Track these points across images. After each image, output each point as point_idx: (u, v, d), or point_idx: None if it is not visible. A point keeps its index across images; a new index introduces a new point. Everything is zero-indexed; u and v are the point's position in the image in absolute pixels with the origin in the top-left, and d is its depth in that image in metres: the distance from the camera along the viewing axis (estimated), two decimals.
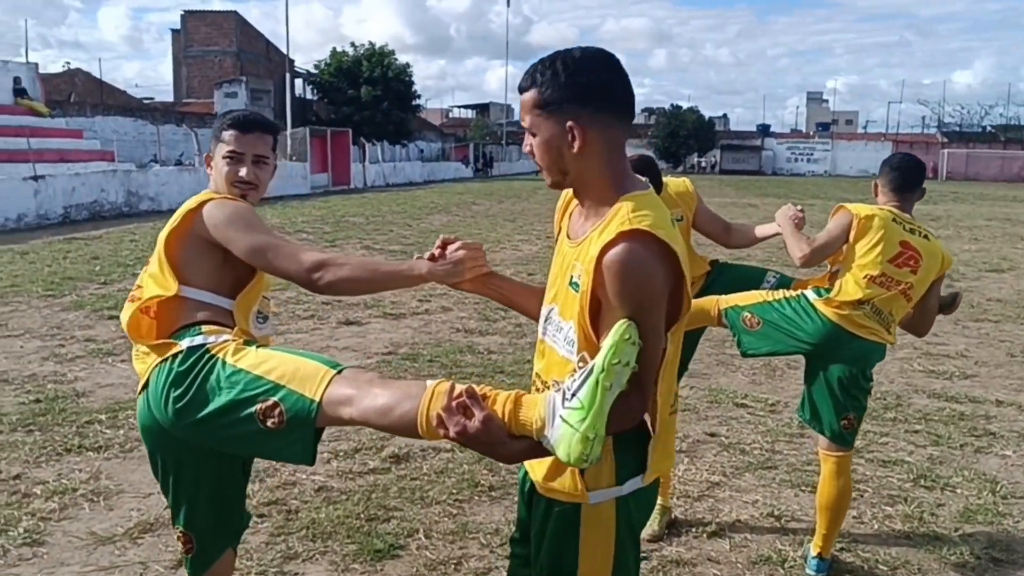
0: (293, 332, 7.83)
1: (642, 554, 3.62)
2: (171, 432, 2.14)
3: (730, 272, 3.87)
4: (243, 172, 2.43)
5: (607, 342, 1.67)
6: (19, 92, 25.06)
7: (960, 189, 44.12)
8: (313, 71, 46.92)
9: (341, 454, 4.74)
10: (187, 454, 2.21)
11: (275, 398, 1.97)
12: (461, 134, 68.99)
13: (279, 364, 2.03)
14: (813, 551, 3.55)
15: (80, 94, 35.25)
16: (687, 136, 66.76)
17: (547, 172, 1.89)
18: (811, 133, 79.46)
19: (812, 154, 70.56)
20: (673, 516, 4.02)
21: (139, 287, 2.35)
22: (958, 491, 4.41)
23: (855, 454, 4.87)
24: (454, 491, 4.28)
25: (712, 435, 5.24)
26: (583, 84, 1.77)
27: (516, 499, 2.47)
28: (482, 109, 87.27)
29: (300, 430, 1.97)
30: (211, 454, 2.20)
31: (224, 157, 2.44)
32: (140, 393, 2.23)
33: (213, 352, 2.11)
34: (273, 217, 18.83)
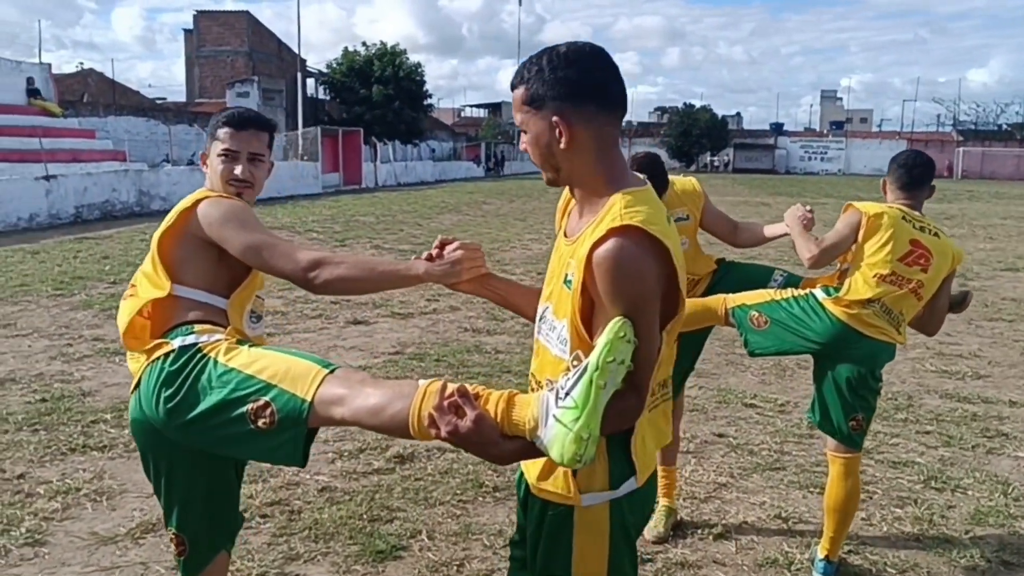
0: (301, 332, 7.82)
1: (646, 555, 3.64)
2: (163, 432, 2.12)
3: (737, 271, 3.83)
4: (238, 170, 2.40)
5: (601, 340, 1.64)
6: (32, 92, 25.19)
7: (975, 188, 43.77)
8: (325, 71, 47.01)
9: (345, 454, 4.71)
10: (179, 455, 2.18)
11: (266, 398, 1.95)
12: (473, 133, 69.02)
13: (271, 363, 2.00)
14: (820, 553, 3.50)
15: (93, 94, 35.43)
16: (700, 135, 66.54)
17: (541, 169, 1.87)
18: (825, 132, 79.09)
19: (826, 153, 70.20)
20: (679, 518, 3.98)
21: (133, 286, 2.33)
22: (969, 493, 4.35)
23: (864, 455, 4.80)
24: (458, 492, 4.25)
25: (720, 436, 5.19)
26: (569, 79, 1.74)
27: None
28: (494, 108, 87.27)
29: (292, 430, 1.94)
30: (204, 455, 2.18)
31: (219, 155, 2.41)
32: (132, 392, 2.20)
33: (205, 351, 2.08)
34: (284, 216, 18.88)
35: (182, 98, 47.48)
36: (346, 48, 46.52)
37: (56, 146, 21.09)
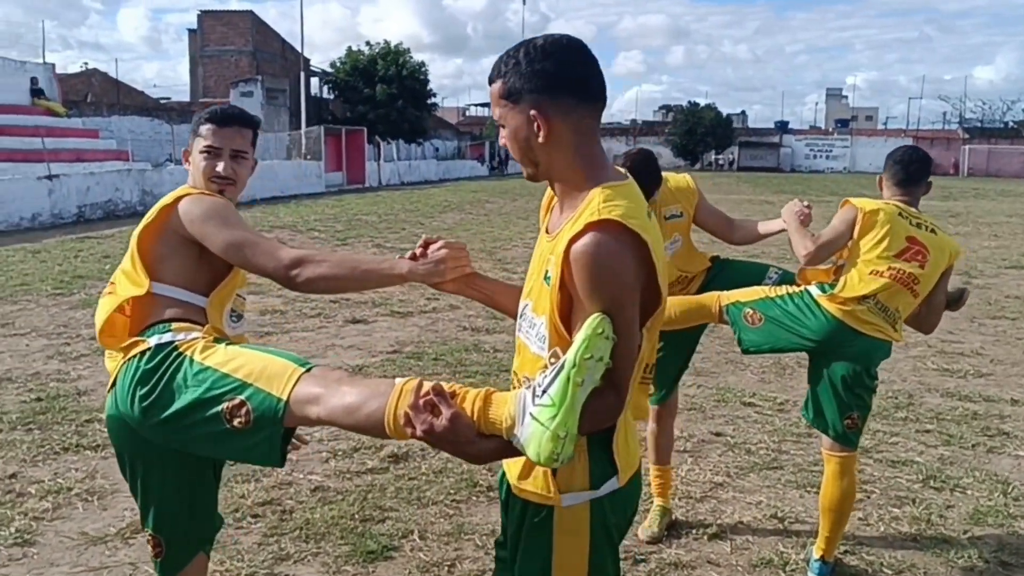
0: (299, 331, 7.79)
1: (640, 556, 3.61)
2: (139, 431, 2.09)
3: (731, 268, 3.78)
4: (220, 167, 2.37)
5: (579, 336, 1.61)
6: (36, 92, 25.26)
7: (981, 185, 43.60)
8: (329, 70, 47.02)
9: (340, 453, 4.68)
10: (155, 454, 2.15)
11: (242, 396, 1.91)
12: (477, 132, 68.99)
13: (247, 362, 1.97)
14: (816, 554, 3.46)
15: (97, 94, 35.48)
16: (705, 133, 66.33)
17: (521, 164, 1.84)
18: (830, 130, 78.81)
19: (831, 151, 69.97)
20: (674, 517, 3.94)
21: (112, 284, 2.30)
22: (968, 492, 4.30)
23: (863, 454, 4.78)
24: (452, 491, 4.22)
25: (718, 435, 5.15)
26: (546, 72, 1.71)
27: None
28: None
29: (267, 429, 1.90)
30: (180, 455, 2.14)
31: (201, 152, 2.38)
32: (109, 391, 2.17)
33: (181, 349, 2.05)
34: (286, 216, 18.87)
35: (187, 98, 47.53)
36: (350, 47, 46.56)
37: (59, 146, 21.13)
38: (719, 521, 3.96)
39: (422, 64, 46.57)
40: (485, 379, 6.15)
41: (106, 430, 2.31)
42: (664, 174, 3.66)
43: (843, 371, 3.25)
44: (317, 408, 1.84)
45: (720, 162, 69.51)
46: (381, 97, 43.65)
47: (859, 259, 3.25)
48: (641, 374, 1.91)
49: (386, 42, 46.12)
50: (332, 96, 47.32)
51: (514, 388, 1.89)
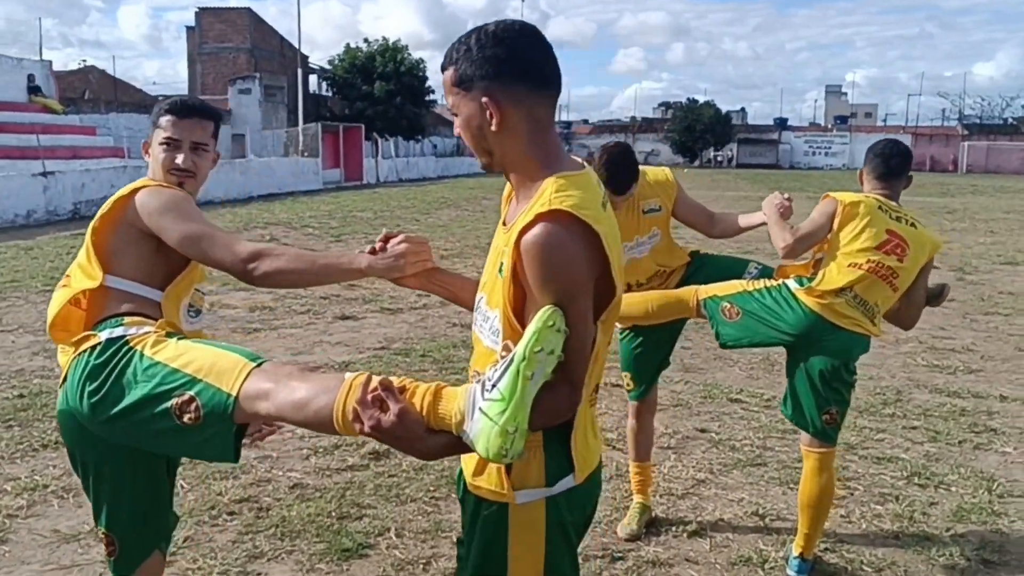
0: (288, 327, 7.76)
1: (617, 553, 3.57)
2: (89, 428, 2.05)
3: (711, 263, 3.74)
4: (180, 159, 2.33)
5: (529, 329, 1.57)
6: (33, 90, 25.19)
7: (980, 182, 43.53)
8: (327, 67, 46.93)
9: (320, 450, 4.64)
10: (107, 451, 2.11)
11: (191, 392, 1.87)
12: None
13: (197, 357, 1.93)
14: (795, 551, 3.42)
15: (94, 91, 35.35)
16: (703, 130, 66.26)
17: (475, 153, 1.81)
18: (829, 127, 78.75)
19: (830, 147, 69.91)
20: (653, 515, 3.90)
21: (68, 276, 2.26)
22: (953, 489, 4.26)
23: (848, 451, 4.75)
24: (431, 488, 4.18)
25: (703, 431, 5.11)
26: (497, 58, 1.67)
27: None
28: None
29: (218, 426, 1.86)
30: (132, 452, 2.11)
31: (160, 144, 2.34)
32: (61, 387, 2.14)
33: (132, 344, 2.01)
34: (281, 212, 18.82)
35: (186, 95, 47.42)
36: (348, 44, 46.43)
37: (56, 143, 21.09)
38: (700, 518, 3.93)
39: (420, 61, 46.45)
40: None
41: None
42: (642, 167, 3.62)
43: (821, 365, 3.21)
44: (266, 404, 1.80)
45: (719, 159, 69.41)
46: (379, 94, 43.55)
47: (838, 252, 3.21)
48: (591, 392, 1.87)
49: (384, 39, 46.02)
50: (331, 93, 47.24)
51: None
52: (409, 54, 46.00)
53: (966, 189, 35.43)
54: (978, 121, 73.73)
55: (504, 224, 1.85)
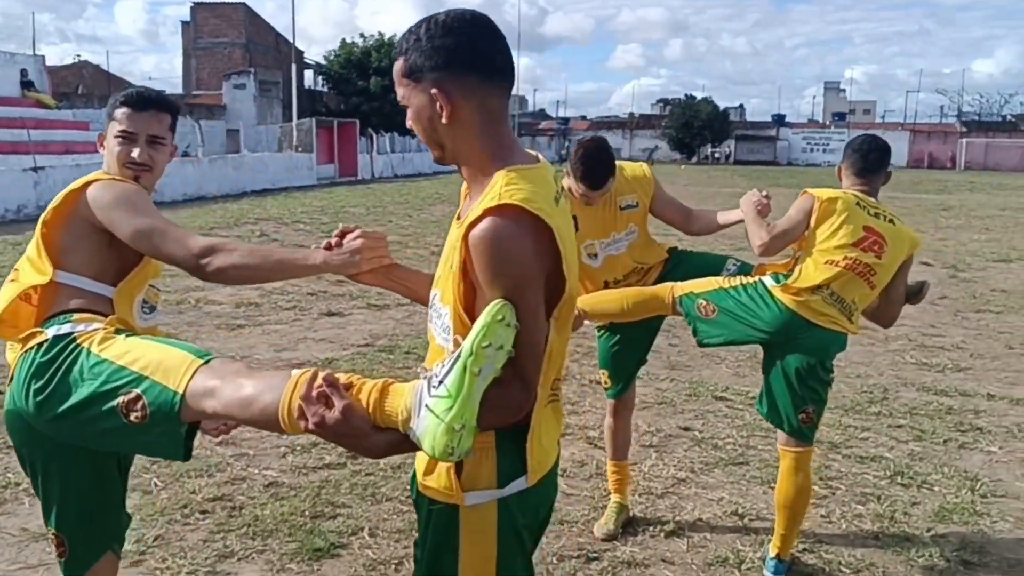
0: (272, 323, 7.70)
1: (592, 554, 3.53)
2: (36, 427, 2.00)
3: (689, 260, 3.69)
4: (135, 153, 2.27)
5: (477, 323, 1.52)
6: (26, 84, 25.11)
7: (977, 179, 43.50)
8: (323, 62, 46.84)
9: (298, 448, 4.59)
10: (55, 450, 2.06)
11: (138, 390, 1.82)
12: None
13: (144, 354, 1.87)
14: (771, 552, 3.38)
15: (88, 86, 35.25)
16: (701, 127, 66.14)
17: (427, 146, 1.75)
18: (827, 123, 78.69)
19: (828, 144, 69.75)
20: (631, 514, 3.85)
21: (16, 271, 2.20)
22: (936, 489, 4.22)
23: (832, 449, 4.71)
24: (407, 488, 4.12)
25: (686, 429, 5.06)
26: (447, 48, 1.62)
27: None
28: None
29: (165, 424, 1.81)
30: (80, 451, 2.05)
31: (116, 136, 2.29)
32: (8, 385, 2.08)
33: (79, 341, 1.95)
34: (272, 208, 18.75)
35: (180, 90, 47.30)
36: (344, 40, 46.38)
37: (49, 138, 20.98)
38: (678, 518, 3.88)
39: None
40: None
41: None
42: (619, 163, 3.56)
43: (797, 363, 3.16)
44: (213, 401, 1.75)
45: (716, 156, 69.36)
46: (375, 89, 43.46)
47: (815, 248, 3.17)
48: (549, 391, 1.82)
49: (380, 34, 46.00)
50: (326, 89, 47.15)
51: None
52: None
53: (963, 186, 35.39)
54: (976, 118, 73.72)
55: (458, 219, 1.80)
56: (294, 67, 36.33)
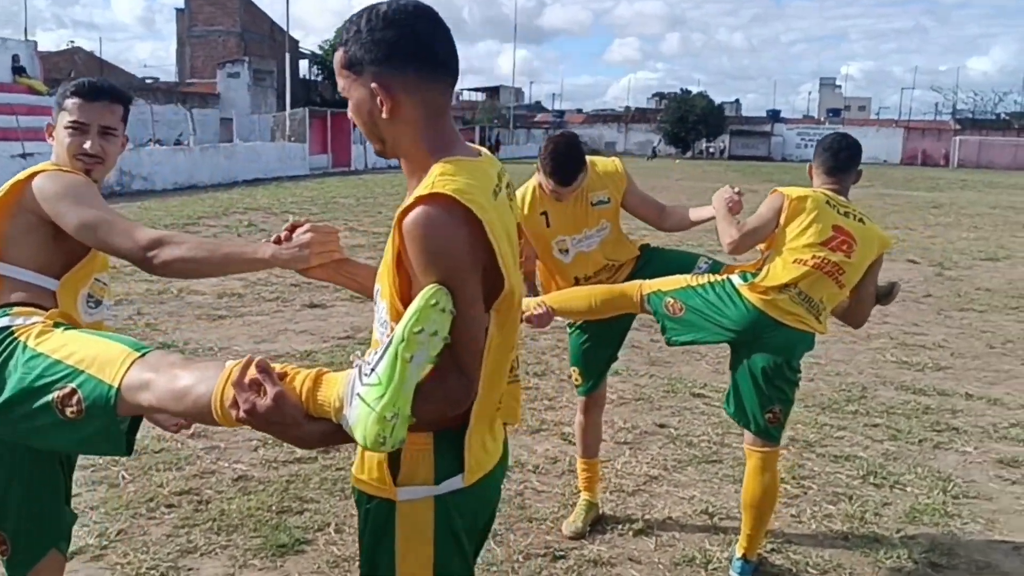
0: (254, 315, 7.66)
1: (559, 552, 3.50)
2: None
3: (661, 258, 3.66)
4: (87, 145, 2.23)
5: (410, 308, 1.48)
6: (17, 70, 24.96)
7: (970, 176, 43.56)
8: (318, 52, 46.67)
9: (269, 442, 4.55)
10: None
11: (73, 384, 1.78)
12: (468, 117, 68.66)
13: (81, 347, 1.83)
14: (738, 552, 3.36)
15: (80, 72, 35.02)
16: (696, 121, 66.17)
17: (368, 139, 1.72)
18: (822, 119, 78.73)
19: None
20: (601, 512, 3.83)
21: None
22: (908, 489, 4.20)
23: (806, 448, 4.70)
24: None
25: (661, 426, 5.04)
26: (387, 41, 1.58)
27: None
28: (492, 92, 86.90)
29: (101, 419, 1.77)
30: (19, 448, 2.02)
31: (66, 127, 2.24)
32: None
33: (16, 335, 1.91)
34: (262, 198, 18.69)
35: (174, 78, 47.10)
36: (339, 29, 46.22)
37: (40, 124, 20.57)
38: (648, 516, 3.86)
39: None
40: None
41: None
42: (591, 158, 3.53)
43: (763, 363, 3.14)
44: (148, 394, 1.71)
45: (711, 150, 69.36)
46: None
47: (783, 247, 3.14)
48: (507, 373, 1.79)
49: None
50: (320, 78, 47.00)
51: None
52: None
53: (955, 184, 35.45)
54: (971, 116, 73.84)
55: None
56: (288, 56, 36.19)
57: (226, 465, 4.28)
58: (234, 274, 2.50)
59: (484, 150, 1.79)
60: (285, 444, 4.45)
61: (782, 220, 3.19)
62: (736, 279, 3.20)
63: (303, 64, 47.71)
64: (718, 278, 3.26)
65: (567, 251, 3.54)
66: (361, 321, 7.48)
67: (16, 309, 2.01)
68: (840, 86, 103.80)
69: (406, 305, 1.60)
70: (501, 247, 1.58)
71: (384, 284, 1.66)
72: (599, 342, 3.68)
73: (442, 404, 1.58)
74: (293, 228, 2.01)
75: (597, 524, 3.75)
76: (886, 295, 3.38)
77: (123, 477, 4.07)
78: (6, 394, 1.84)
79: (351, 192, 21.57)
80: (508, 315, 1.68)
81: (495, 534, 3.62)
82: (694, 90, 71.78)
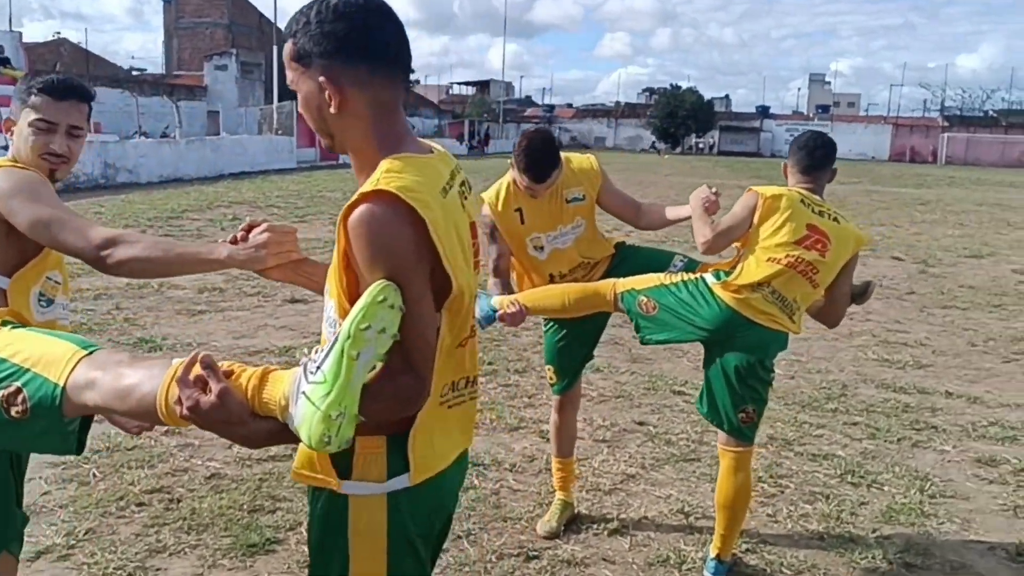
0: (235, 309, 7.60)
1: (532, 552, 3.47)
2: None
3: (636, 256, 3.62)
4: (56, 145, 2.20)
5: (357, 304, 1.44)
6: (1, 61, 24.74)
7: (957, 173, 43.75)
8: None
9: None
10: None
11: (18, 383, 1.73)
12: (459, 111, 68.54)
13: (27, 346, 1.78)
14: (712, 552, 3.34)
15: (66, 64, 34.81)
16: (686, 117, 66.22)
17: (317, 134, 1.68)
18: (811, 115, 78.90)
19: None
20: (576, 511, 3.81)
21: None
22: (885, 488, 4.19)
23: (784, 447, 4.69)
24: None
25: (640, 424, 5.02)
26: (336, 34, 1.54)
27: None
28: (482, 86, 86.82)
29: (47, 419, 1.72)
30: None
31: (32, 125, 2.20)
32: None
33: None
34: (248, 191, 18.59)
35: (161, 70, 46.80)
36: (288, 21, 46.03)
37: None
38: (623, 515, 3.84)
39: None
40: None
41: None
42: (566, 155, 3.50)
43: (736, 362, 3.11)
44: (93, 393, 1.67)
45: (700, 146, 69.45)
46: None
47: (757, 246, 3.12)
48: (468, 390, 1.75)
49: None
50: None
51: None
52: None
53: (943, 181, 35.60)
54: (959, 113, 74.18)
55: None
56: (276, 49, 35.95)
57: (199, 463, 4.24)
58: (190, 275, 2.46)
59: (438, 147, 1.77)
60: None
61: (756, 219, 3.16)
62: (709, 278, 3.18)
63: None
64: (692, 277, 3.24)
65: (542, 248, 3.50)
66: None
67: None
68: (829, 82, 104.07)
69: (353, 303, 1.56)
70: (446, 247, 1.54)
71: (332, 283, 1.63)
72: (575, 341, 3.65)
73: (392, 403, 1.55)
74: (249, 228, 1.97)
75: (572, 524, 3.72)
76: (861, 294, 3.36)
77: (94, 475, 4.02)
78: None
79: (338, 186, 21.46)
80: (458, 316, 1.64)
81: (468, 534, 3.60)
82: (684, 85, 71.82)
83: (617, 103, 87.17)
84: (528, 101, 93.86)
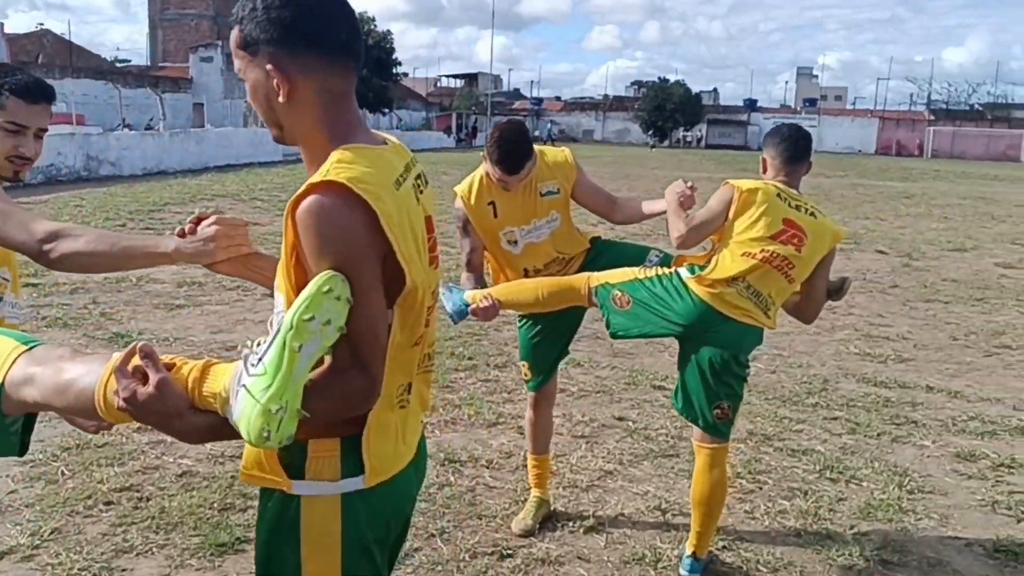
0: (214, 303, 7.53)
1: (507, 551, 3.42)
2: None
3: (611, 250, 3.57)
4: (25, 148, 2.16)
5: (301, 295, 1.39)
6: None
7: (943, 167, 43.89)
8: None
9: None
10: None
11: None
12: (447, 104, 68.34)
13: None
14: (688, 549, 3.30)
15: (49, 55, 34.53)
16: (673, 110, 66.15)
17: (266, 124, 1.63)
18: (798, 109, 79.04)
19: None
20: (553, 509, 3.76)
21: None
22: (864, 484, 4.16)
23: (764, 442, 4.65)
24: None
25: (620, 419, 4.98)
26: (283, 21, 1.48)
27: None
28: (470, 79, 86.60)
29: None
30: None
31: (1, 128, 2.14)
32: None
33: None
34: (232, 184, 18.44)
35: (146, 62, 46.44)
36: (235, 7, 45.88)
37: None
38: (600, 513, 3.79)
39: (388, 33, 45.93)
40: None
41: None
42: (540, 148, 3.45)
43: (711, 357, 3.07)
44: (31, 389, 1.60)
45: (688, 139, 69.48)
46: None
47: (732, 240, 3.07)
48: (422, 363, 1.71)
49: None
50: None
51: None
52: (376, 26, 45.44)
53: (928, 174, 35.70)
54: (945, 107, 74.43)
55: None
56: None
57: (171, 460, 4.17)
58: (136, 269, 2.39)
59: (392, 138, 1.72)
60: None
61: (732, 213, 3.12)
62: (684, 272, 3.14)
63: None
64: (666, 271, 3.19)
65: (516, 242, 3.45)
66: None
67: None
68: (817, 76, 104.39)
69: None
70: (399, 240, 1.49)
71: (280, 278, 1.58)
72: (549, 336, 3.60)
73: (340, 402, 1.50)
74: (198, 220, 1.91)
75: (548, 521, 3.68)
76: (837, 290, 3.32)
77: (62, 472, 3.95)
78: None
79: None
80: (411, 313, 1.59)
81: (442, 532, 3.55)
82: (672, 79, 71.73)
83: (605, 96, 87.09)
84: (516, 94, 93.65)
